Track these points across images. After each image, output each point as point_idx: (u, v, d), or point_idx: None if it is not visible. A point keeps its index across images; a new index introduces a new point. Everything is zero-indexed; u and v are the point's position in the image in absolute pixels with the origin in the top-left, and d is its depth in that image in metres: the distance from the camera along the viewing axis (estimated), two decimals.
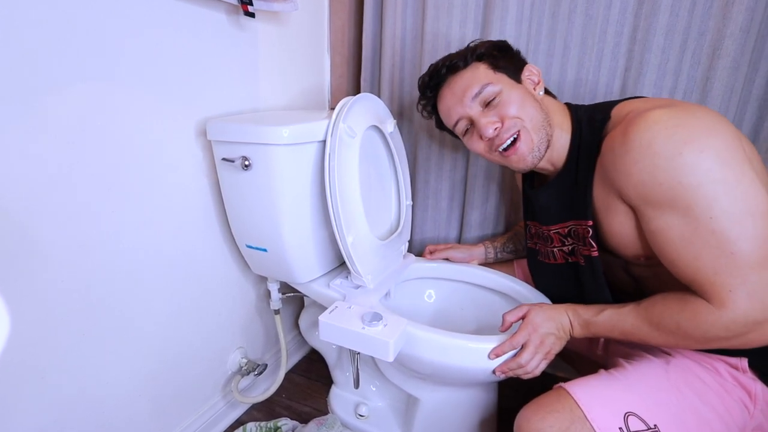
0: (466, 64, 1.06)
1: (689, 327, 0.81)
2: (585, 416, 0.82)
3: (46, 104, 0.85)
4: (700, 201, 0.76)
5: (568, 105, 1.08)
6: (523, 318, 1.02)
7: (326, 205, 1.09)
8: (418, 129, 1.57)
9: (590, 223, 0.98)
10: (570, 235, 1.07)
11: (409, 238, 1.45)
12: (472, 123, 1.07)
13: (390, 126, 1.32)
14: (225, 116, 1.22)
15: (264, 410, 1.52)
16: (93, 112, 0.93)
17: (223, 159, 1.13)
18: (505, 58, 1.06)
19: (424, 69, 1.47)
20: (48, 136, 0.87)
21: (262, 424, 1.38)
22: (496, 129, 1.01)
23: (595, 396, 0.86)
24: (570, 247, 1.08)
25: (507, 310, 1.05)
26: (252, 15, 1.17)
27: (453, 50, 1.44)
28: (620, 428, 0.80)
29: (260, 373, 1.46)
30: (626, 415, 0.82)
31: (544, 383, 0.94)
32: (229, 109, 1.25)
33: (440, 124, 1.21)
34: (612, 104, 0.98)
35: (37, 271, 0.89)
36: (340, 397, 1.51)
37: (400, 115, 1.61)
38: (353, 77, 1.76)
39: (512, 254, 1.44)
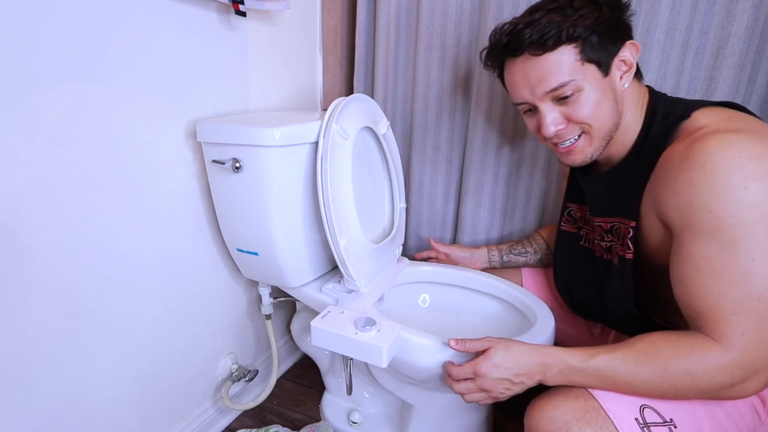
0: (555, 44, 0.88)
1: (698, 371, 0.78)
2: (600, 405, 0.81)
3: (34, 105, 0.85)
4: (748, 240, 0.74)
5: (649, 90, 0.98)
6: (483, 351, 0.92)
7: (318, 208, 1.09)
8: (412, 130, 1.57)
9: (633, 224, 0.93)
10: (611, 232, 1.02)
11: (403, 242, 1.45)
12: (534, 108, 0.97)
13: (383, 127, 1.32)
14: (215, 117, 1.22)
15: (255, 417, 1.52)
16: (81, 113, 0.93)
17: (214, 161, 1.12)
18: (604, 40, 0.89)
19: (419, 69, 1.49)
20: (35, 137, 0.86)
21: (253, 431, 1.38)
22: (558, 130, 0.95)
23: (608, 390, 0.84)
24: (608, 244, 1.04)
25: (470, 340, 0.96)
26: (243, 14, 1.17)
27: (448, 50, 1.47)
28: (636, 419, 0.79)
29: (251, 380, 1.46)
30: (642, 408, 0.81)
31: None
32: (219, 110, 1.25)
33: (501, 79, 1.06)
34: (697, 104, 0.90)
35: (23, 275, 0.89)
36: (333, 403, 1.50)
37: (394, 116, 1.61)
38: (346, 77, 1.76)
39: (520, 256, 1.39)
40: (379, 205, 1.41)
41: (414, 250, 1.69)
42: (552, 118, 0.94)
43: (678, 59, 1.18)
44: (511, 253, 1.40)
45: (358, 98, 1.23)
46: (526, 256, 1.38)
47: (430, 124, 1.54)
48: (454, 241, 1.64)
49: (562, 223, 1.21)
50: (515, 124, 1.42)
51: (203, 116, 1.20)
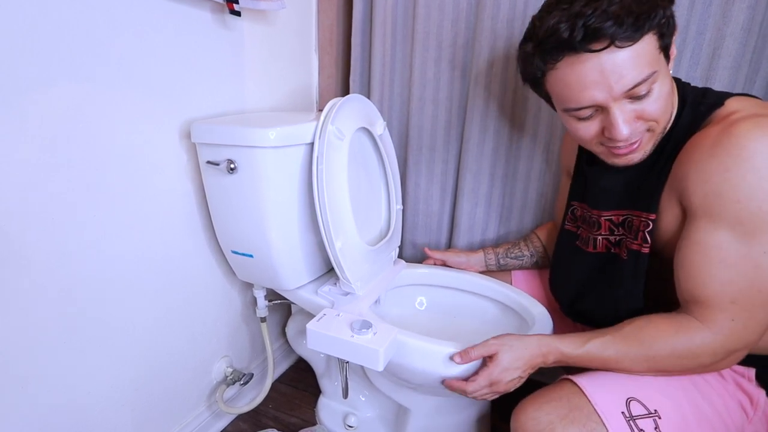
0: (645, 32, 0.76)
1: (683, 351, 0.83)
2: (588, 399, 0.83)
3: (27, 105, 0.85)
4: (766, 233, 0.74)
5: (676, 80, 0.92)
6: (489, 357, 0.95)
7: (314, 210, 1.09)
8: (408, 131, 1.57)
9: (653, 216, 0.90)
10: (623, 225, 1.00)
11: (399, 244, 1.46)
12: (599, 110, 0.84)
13: (380, 128, 1.32)
14: (210, 118, 1.22)
15: (250, 421, 1.52)
16: (76, 114, 0.93)
17: (208, 162, 1.12)
18: (672, 25, 0.80)
19: (415, 69, 1.49)
20: (29, 137, 0.86)
21: None
22: (631, 131, 0.83)
23: (598, 383, 0.87)
24: (618, 238, 1.01)
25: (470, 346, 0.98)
26: (238, 14, 1.17)
27: (444, 50, 1.47)
28: (623, 412, 0.81)
29: (246, 383, 1.46)
30: (628, 400, 0.83)
31: (543, 384, 0.95)
32: (214, 110, 1.25)
33: (534, 82, 0.92)
34: (728, 93, 0.86)
35: (17, 277, 0.89)
36: (329, 407, 1.50)
37: (390, 117, 1.62)
38: (342, 78, 1.76)
39: (517, 260, 1.38)
40: (376, 206, 1.41)
41: (410, 253, 1.69)
42: (625, 118, 0.81)
43: (675, 59, 1.17)
44: (507, 257, 1.39)
45: (354, 99, 1.23)
46: (522, 260, 1.38)
47: (426, 124, 1.54)
48: (450, 243, 1.65)
49: (566, 222, 1.19)
50: (512, 124, 1.42)
51: (198, 117, 1.20)
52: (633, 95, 0.80)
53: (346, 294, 1.21)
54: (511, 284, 1.36)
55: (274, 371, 1.54)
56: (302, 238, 1.21)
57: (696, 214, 0.81)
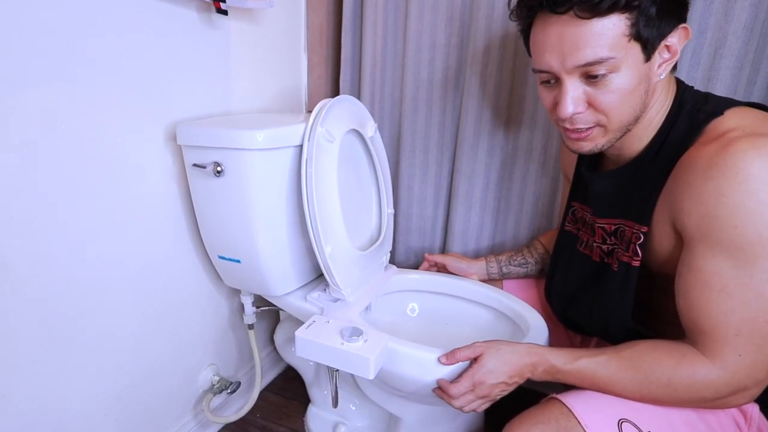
0: (609, 9, 0.76)
1: (681, 385, 0.80)
2: (578, 421, 0.81)
3: (7, 107, 0.85)
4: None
5: (677, 81, 0.92)
6: (475, 359, 0.96)
7: (303, 214, 1.09)
8: (401, 133, 1.58)
9: (645, 229, 0.89)
10: (615, 234, 0.99)
11: (390, 249, 1.46)
12: (557, 81, 0.86)
13: (371, 130, 1.33)
14: (196, 120, 1.22)
15: (237, 430, 1.51)
16: (55, 116, 0.93)
17: (194, 165, 1.13)
18: (661, 15, 0.78)
19: (407, 70, 1.49)
20: (8, 140, 0.86)
21: None
22: (576, 113, 0.85)
23: (588, 403, 0.85)
24: (610, 248, 1.00)
25: (460, 346, 1.00)
26: (225, 12, 1.17)
27: (438, 50, 1.48)
28: None
29: (233, 392, 1.45)
30: (620, 422, 0.81)
31: (536, 399, 0.94)
32: (200, 112, 1.26)
33: (524, 35, 0.94)
34: (730, 102, 0.85)
35: None
36: (318, 416, 1.50)
37: (381, 119, 1.62)
38: (332, 78, 1.76)
39: (521, 267, 1.37)
40: (366, 210, 1.41)
41: (402, 257, 1.70)
42: (573, 97, 0.84)
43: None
44: (511, 265, 1.37)
45: (345, 100, 1.23)
46: (527, 267, 1.36)
47: (419, 126, 1.55)
48: (444, 246, 1.65)
49: (566, 223, 1.17)
50: (507, 126, 1.43)
51: (183, 118, 1.20)
52: (587, 74, 0.82)
53: (336, 300, 1.21)
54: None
55: (262, 379, 1.54)
56: (291, 242, 1.21)
57: (693, 239, 0.79)
